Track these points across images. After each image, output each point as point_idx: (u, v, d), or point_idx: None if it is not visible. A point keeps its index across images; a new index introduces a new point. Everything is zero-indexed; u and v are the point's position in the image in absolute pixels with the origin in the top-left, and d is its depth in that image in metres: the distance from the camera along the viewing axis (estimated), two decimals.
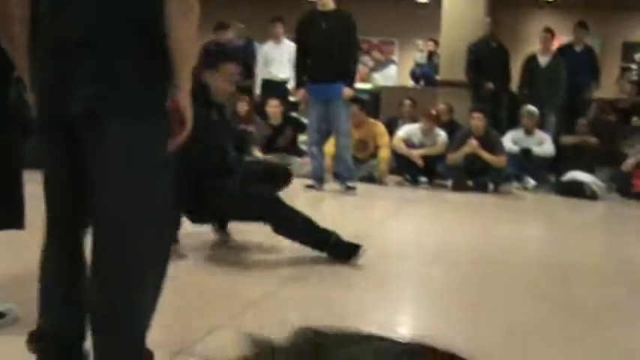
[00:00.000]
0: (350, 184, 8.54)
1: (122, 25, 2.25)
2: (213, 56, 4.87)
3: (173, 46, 2.29)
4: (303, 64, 8.59)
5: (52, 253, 2.49)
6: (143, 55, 2.27)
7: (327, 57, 8.27)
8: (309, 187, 8.57)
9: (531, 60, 11.06)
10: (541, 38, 11.14)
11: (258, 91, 11.42)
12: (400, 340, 0.49)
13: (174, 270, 4.38)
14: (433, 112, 9.90)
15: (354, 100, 9.14)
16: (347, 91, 8.35)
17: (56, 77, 2.27)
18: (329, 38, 8.28)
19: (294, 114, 10.75)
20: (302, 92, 8.57)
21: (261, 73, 11.45)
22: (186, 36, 2.31)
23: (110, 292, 2.31)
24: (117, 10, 2.25)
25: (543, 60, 10.91)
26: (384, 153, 9.59)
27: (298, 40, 8.70)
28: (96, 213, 2.31)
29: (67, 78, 2.24)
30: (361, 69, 13.03)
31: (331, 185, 8.87)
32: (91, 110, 2.24)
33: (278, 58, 11.33)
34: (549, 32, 11.09)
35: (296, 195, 8.37)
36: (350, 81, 8.45)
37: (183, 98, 2.39)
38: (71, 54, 2.24)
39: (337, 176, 8.91)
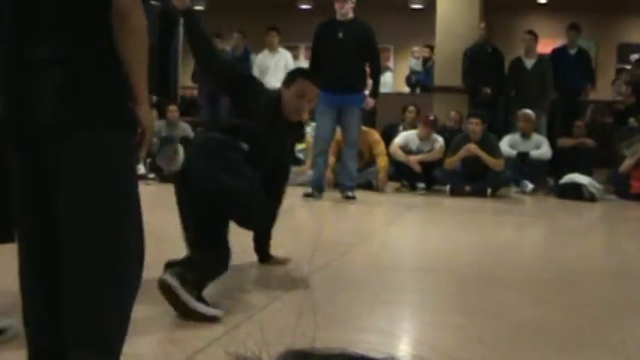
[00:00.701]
0: (350, 193, 8.52)
1: (86, 40, 2.28)
2: (291, 73, 4.87)
3: (124, 63, 2.36)
4: (316, 72, 8.58)
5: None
6: (106, 67, 2.31)
7: (343, 66, 8.28)
8: (307, 195, 8.56)
9: (517, 63, 11.08)
10: (524, 41, 11.16)
11: None
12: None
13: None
14: (430, 117, 9.91)
15: None
16: (370, 102, 8.43)
17: (21, 92, 2.28)
18: (345, 47, 8.31)
19: None
20: None
21: None
22: (133, 55, 2.38)
23: (78, 305, 2.31)
24: (80, 26, 2.29)
25: (529, 62, 10.92)
26: (382, 162, 9.58)
27: (314, 48, 8.70)
28: (61, 226, 2.32)
29: (32, 92, 2.26)
30: None
31: (329, 194, 8.88)
32: (56, 123, 2.26)
33: (273, 67, 11.34)
34: (532, 34, 11.11)
35: (296, 204, 8.38)
36: (375, 91, 8.53)
37: (140, 109, 2.43)
38: (36, 68, 2.27)
39: (337, 185, 8.91)
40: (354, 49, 8.30)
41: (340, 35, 8.37)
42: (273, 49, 11.41)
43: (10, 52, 2.32)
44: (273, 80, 11.24)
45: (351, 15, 8.50)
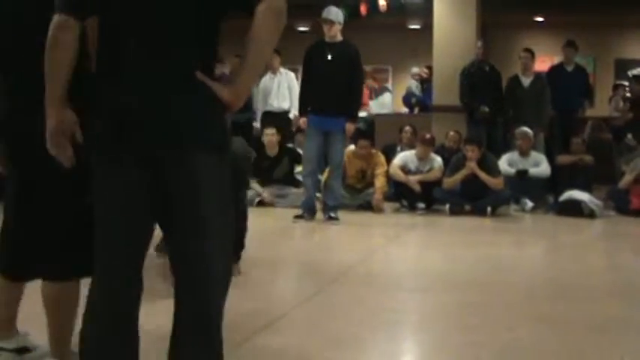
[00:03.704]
0: (333, 214, 8.46)
1: (197, 63, 2.37)
2: None
3: (252, 42, 2.41)
4: (307, 94, 8.66)
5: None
6: (210, 91, 2.37)
7: (331, 88, 8.29)
8: (298, 217, 8.48)
9: (513, 81, 11.11)
10: (521, 59, 11.19)
11: (258, 124, 11.38)
12: None
13: None
14: (427, 136, 9.93)
15: (363, 134, 9.14)
16: (350, 127, 8.42)
17: (134, 108, 2.34)
18: (333, 69, 8.34)
19: (289, 145, 10.79)
20: (304, 120, 8.59)
21: (261, 106, 11.47)
22: (264, 49, 2.47)
23: (198, 308, 2.44)
24: (193, 48, 2.39)
25: (526, 80, 10.95)
26: (379, 182, 9.57)
27: (304, 70, 8.75)
28: (177, 243, 2.44)
29: (146, 110, 2.33)
30: None
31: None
32: (171, 143, 2.34)
33: (275, 89, 11.36)
34: (529, 52, 11.14)
35: (289, 225, 8.34)
36: (354, 115, 8.55)
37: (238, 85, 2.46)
38: (150, 86, 2.33)
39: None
40: (342, 71, 8.34)
41: (329, 57, 8.42)
42: (274, 72, 11.43)
43: (128, 69, 2.38)
44: (276, 102, 11.29)
45: (339, 37, 8.55)
